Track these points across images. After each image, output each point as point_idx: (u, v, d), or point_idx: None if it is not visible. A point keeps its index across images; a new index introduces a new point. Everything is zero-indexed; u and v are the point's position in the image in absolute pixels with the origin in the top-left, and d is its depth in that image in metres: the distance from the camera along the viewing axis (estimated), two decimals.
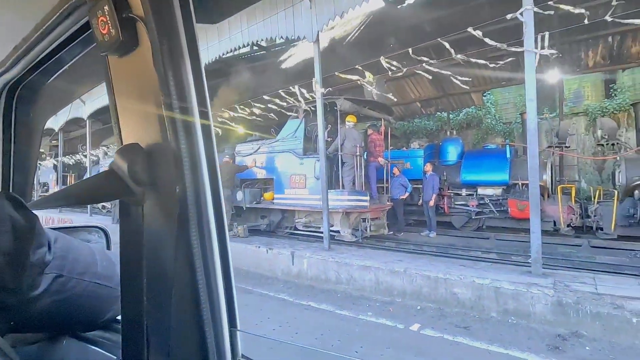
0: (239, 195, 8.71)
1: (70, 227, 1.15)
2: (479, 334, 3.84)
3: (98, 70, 0.92)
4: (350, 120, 7.65)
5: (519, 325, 3.92)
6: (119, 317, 0.74)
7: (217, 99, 8.41)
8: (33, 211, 0.61)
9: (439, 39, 4.68)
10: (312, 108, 7.17)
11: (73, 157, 15.29)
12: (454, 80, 4.81)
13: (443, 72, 4.80)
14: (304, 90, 6.27)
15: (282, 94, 6.45)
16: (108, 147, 13.93)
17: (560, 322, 3.71)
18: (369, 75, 5.33)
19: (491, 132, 12.64)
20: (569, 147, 9.00)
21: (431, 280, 4.50)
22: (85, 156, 13.46)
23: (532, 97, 4.16)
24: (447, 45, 4.64)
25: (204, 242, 0.57)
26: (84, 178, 0.65)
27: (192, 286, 0.55)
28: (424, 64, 4.84)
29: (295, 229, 8.33)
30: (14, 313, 0.61)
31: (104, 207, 15.42)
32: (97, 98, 11.93)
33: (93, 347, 0.79)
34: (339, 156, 7.29)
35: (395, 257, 5.48)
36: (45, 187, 19.24)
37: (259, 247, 6.52)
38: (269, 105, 6.96)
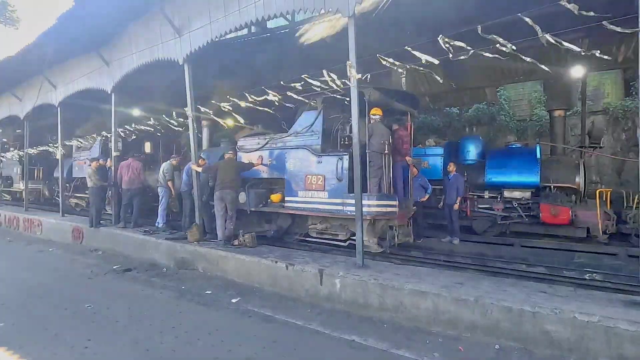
0: (242, 197, 7.60)
1: None
2: None
3: None
4: (376, 113, 6.69)
5: None
6: None
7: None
8: None
9: (519, 15, 3.78)
10: (337, 97, 6.13)
11: (38, 148, 13.35)
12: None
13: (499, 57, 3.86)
14: (334, 76, 5.23)
15: (309, 79, 5.39)
16: (82, 139, 12.24)
17: None
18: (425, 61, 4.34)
19: (504, 129, 11.98)
20: (603, 147, 8.40)
21: (513, 313, 3.62)
22: (56, 147, 11.79)
23: None
24: (529, 21, 3.74)
25: None
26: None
27: None
28: (495, 46, 3.93)
29: (307, 236, 7.33)
30: None
31: (77, 204, 13.83)
32: (69, 82, 10.41)
33: None
34: (366, 154, 6.32)
35: (452, 279, 4.58)
36: (9, 182, 17.27)
37: (277, 262, 5.47)
38: (288, 93, 5.89)
